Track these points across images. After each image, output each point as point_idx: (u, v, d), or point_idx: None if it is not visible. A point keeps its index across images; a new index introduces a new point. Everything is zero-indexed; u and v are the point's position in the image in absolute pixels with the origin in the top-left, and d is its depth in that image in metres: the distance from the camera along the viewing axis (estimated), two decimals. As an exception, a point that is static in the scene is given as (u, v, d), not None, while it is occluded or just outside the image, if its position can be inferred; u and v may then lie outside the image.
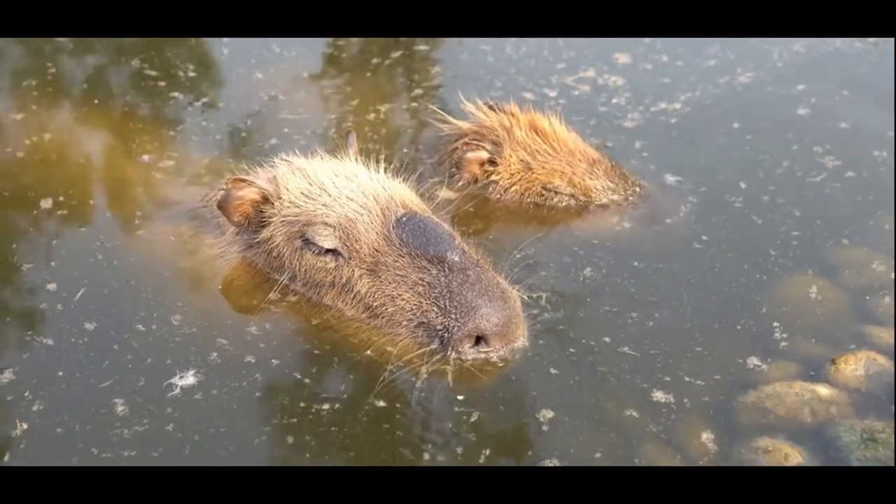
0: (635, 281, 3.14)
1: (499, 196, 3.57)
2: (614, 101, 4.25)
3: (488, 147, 3.59)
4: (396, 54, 4.62)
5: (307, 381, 2.76)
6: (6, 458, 2.49)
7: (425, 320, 2.77)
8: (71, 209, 3.47)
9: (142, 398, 2.67)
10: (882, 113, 4.08)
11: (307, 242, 2.95)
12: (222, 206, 3.10)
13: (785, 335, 2.90)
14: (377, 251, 2.86)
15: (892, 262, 3.19)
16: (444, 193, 3.59)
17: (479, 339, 2.75)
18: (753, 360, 2.81)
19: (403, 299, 2.80)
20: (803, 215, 3.47)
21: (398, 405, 2.65)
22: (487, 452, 2.53)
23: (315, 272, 2.96)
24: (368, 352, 2.82)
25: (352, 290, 2.89)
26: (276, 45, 4.67)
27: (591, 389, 2.72)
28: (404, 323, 2.80)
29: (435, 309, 2.75)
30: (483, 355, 2.76)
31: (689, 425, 2.60)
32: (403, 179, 3.18)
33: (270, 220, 3.05)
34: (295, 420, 2.62)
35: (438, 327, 2.74)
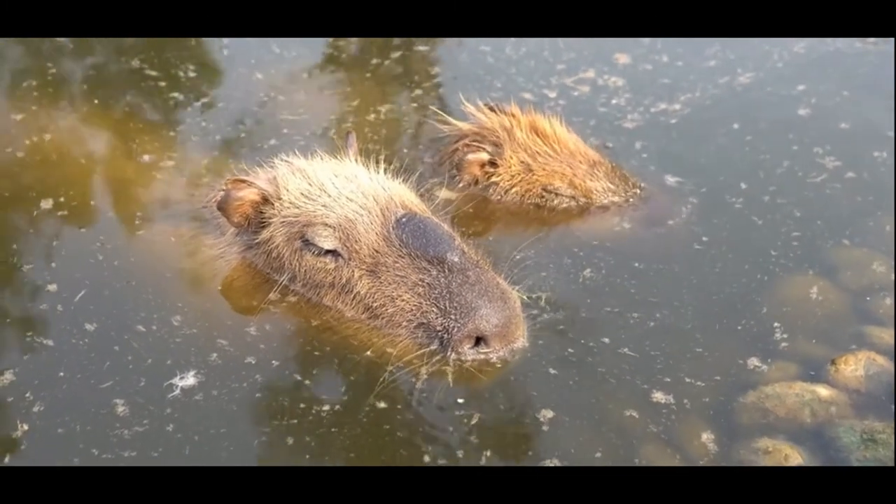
0: (635, 282, 3.14)
1: (499, 197, 3.57)
2: (614, 101, 4.25)
3: (489, 148, 3.59)
4: (396, 55, 4.62)
5: (307, 382, 2.76)
6: (7, 458, 2.49)
7: (425, 321, 2.77)
8: (71, 210, 3.47)
9: (142, 399, 2.67)
10: (882, 113, 4.08)
11: (307, 243, 2.95)
12: (222, 206, 3.10)
13: (785, 335, 2.90)
14: (377, 252, 2.87)
15: (893, 263, 3.19)
16: (444, 194, 3.59)
17: (478, 340, 2.75)
18: (753, 361, 2.81)
19: (403, 300, 2.80)
20: (804, 216, 3.47)
21: (399, 406, 2.66)
22: (488, 453, 2.53)
23: (315, 273, 2.96)
24: (368, 353, 2.82)
25: (351, 291, 2.89)
26: (275, 45, 4.67)
27: (591, 390, 2.72)
28: (404, 324, 2.80)
29: (435, 310, 2.75)
30: (483, 356, 2.76)
31: (690, 426, 2.60)
32: (403, 180, 3.18)
33: (270, 220, 3.05)
34: (295, 421, 2.62)
35: (438, 328, 2.74)
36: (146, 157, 3.80)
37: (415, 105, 4.24)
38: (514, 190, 3.56)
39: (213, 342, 2.87)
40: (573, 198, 3.54)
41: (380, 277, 2.85)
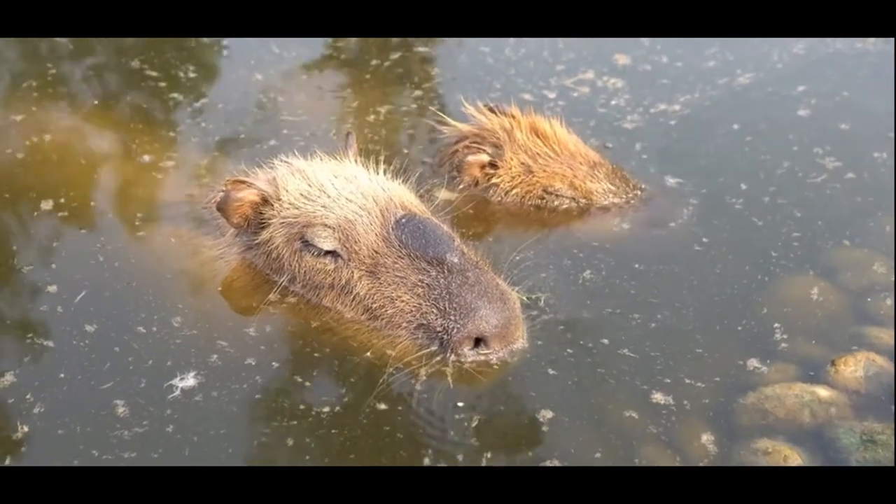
0: (635, 283, 3.14)
1: (499, 199, 3.57)
2: (613, 102, 4.25)
3: (489, 150, 3.58)
4: (396, 56, 4.62)
5: (307, 383, 2.76)
6: (8, 460, 2.50)
7: (425, 322, 2.77)
8: (71, 211, 3.47)
9: (142, 400, 2.67)
10: (882, 114, 4.08)
11: (306, 244, 2.95)
12: (222, 207, 3.10)
13: (785, 336, 2.90)
14: (376, 253, 2.86)
15: (893, 264, 3.19)
16: (444, 195, 3.59)
17: (478, 341, 2.75)
18: (753, 362, 2.81)
19: (403, 301, 2.80)
20: (804, 216, 3.47)
21: (399, 408, 2.66)
22: (488, 454, 2.53)
23: (314, 274, 2.96)
24: (368, 354, 2.82)
25: (351, 292, 2.89)
26: (275, 46, 4.67)
27: (591, 391, 2.72)
28: (404, 325, 2.80)
29: (434, 311, 2.75)
30: (482, 357, 2.76)
31: (689, 427, 2.60)
32: (403, 181, 3.18)
33: (270, 221, 3.05)
34: (295, 422, 2.63)
35: (438, 329, 2.74)
36: (146, 158, 3.80)
37: (414, 106, 4.24)
38: (514, 191, 3.56)
39: (213, 343, 2.87)
40: (574, 199, 3.54)
41: (379, 278, 2.85)
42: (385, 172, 3.15)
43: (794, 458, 2.47)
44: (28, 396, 2.68)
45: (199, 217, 3.41)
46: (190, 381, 2.73)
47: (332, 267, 2.92)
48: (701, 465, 2.49)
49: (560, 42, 4.72)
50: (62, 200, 3.52)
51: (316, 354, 2.85)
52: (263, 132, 4.03)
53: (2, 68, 4.42)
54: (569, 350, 2.86)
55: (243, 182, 3.10)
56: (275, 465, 2.51)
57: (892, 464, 2.44)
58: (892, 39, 4.58)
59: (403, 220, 2.90)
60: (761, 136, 3.98)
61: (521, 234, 3.41)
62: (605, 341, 2.89)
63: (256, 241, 3.10)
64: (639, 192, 3.59)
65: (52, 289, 3.08)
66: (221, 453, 2.53)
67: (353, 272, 2.89)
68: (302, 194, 3.03)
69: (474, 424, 2.62)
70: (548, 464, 2.49)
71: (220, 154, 3.87)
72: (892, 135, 3.92)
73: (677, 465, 2.49)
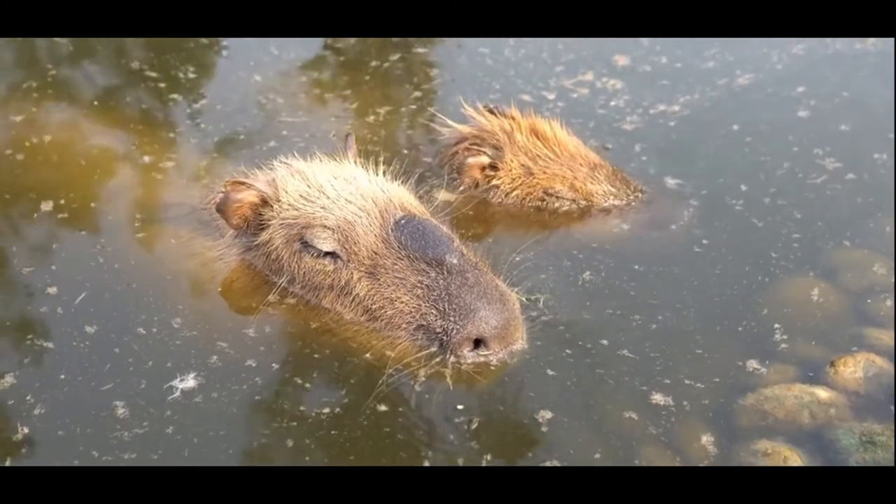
0: (635, 284, 3.14)
1: (500, 200, 3.57)
2: (613, 103, 4.25)
3: (489, 152, 3.58)
4: (395, 57, 4.62)
5: (307, 384, 2.76)
6: (8, 461, 2.50)
7: (424, 323, 2.77)
8: (72, 212, 3.47)
9: (142, 401, 2.67)
10: (882, 115, 4.08)
11: (306, 245, 2.95)
12: (221, 208, 3.10)
13: (785, 337, 2.90)
14: (376, 254, 2.87)
15: (893, 265, 3.19)
16: (444, 196, 3.59)
17: (478, 342, 2.75)
18: (753, 363, 2.81)
19: (402, 302, 2.80)
20: (804, 217, 3.47)
21: (399, 409, 2.66)
22: (488, 455, 2.53)
23: (314, 275, 2.96)
24: (367, 355, 2.82)
25: (350, 293, 2.89)
26: (274, 47, 4.68)
27: (591, 392, 2.72)
28: (403, 326, 2.80)
29: (434, 312, 2.75)
30: (482, 358, 2.77)
31: (689, 428, 2.60)
32: (402, 182, 3.18)
33: (269, 222, 3.05)
34: (295, 423, 2.63)
35: (437, 330, 2.74)
36: (146, 159, 3.81)
37: (414, 107, 4.24)
38: (514, 193, 3.56)
39: (213, 344, 2.87)
40: (574, 201, 3.54)
41: (379, 279, 2.85)
42: (384, 173, 3.15)
43: (794, 459, 2.47)
44: (28, 398, 2.68)
45: (198, 218, 3.41)
46: (190, 382, 2.73)
47: (332, 268, 2.92)
48: (700, 465, 2.49)
49: (559, 43, 4.72)
50: (62, 202, 3.52)
51: (315, 355, 2.86)
52: (263, 133, 4.03)
53: (2, 68, 4.42)
54: (568, 351, 2.86)
55: (243, 183, 3.10)
56: (274, 466, 2.51)
57: (892, 464, 2.44)
58: (892, 39, 4.58)
59: (403, 222, 2.90)
60: (761, 137, 3.98)
61: (521, 235, 3.42)
62: (605, 342, 2.89)
63: (256, 243, 3.10)
64: (640, 195, 3.58)
65: (52, 290, 3.09)
66: (221, 454, 2.53)
67: (352, 273, 2.89)
68: (301, 195, 3.03)
69: (474, 425, 2.62)
70: (547, 464, 2.50)
71: (219, 155, 3.87)
72: (892, 135, 3.92)
73: (677, 465, 2.49)
